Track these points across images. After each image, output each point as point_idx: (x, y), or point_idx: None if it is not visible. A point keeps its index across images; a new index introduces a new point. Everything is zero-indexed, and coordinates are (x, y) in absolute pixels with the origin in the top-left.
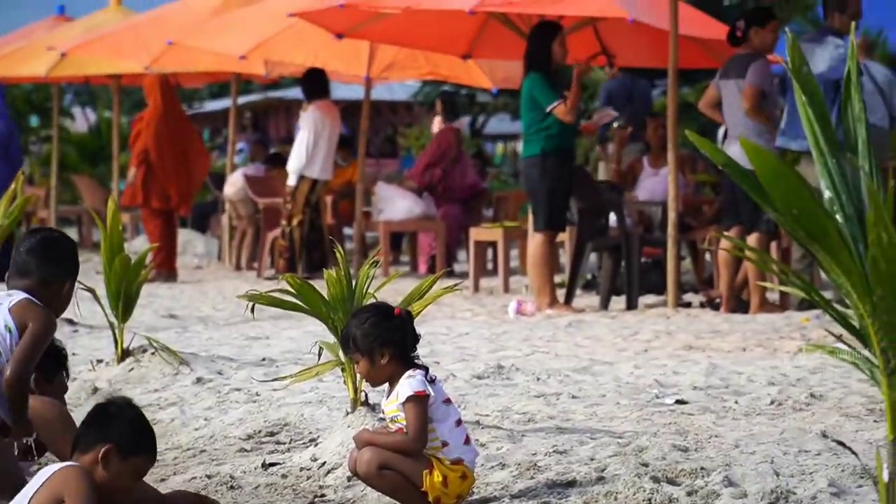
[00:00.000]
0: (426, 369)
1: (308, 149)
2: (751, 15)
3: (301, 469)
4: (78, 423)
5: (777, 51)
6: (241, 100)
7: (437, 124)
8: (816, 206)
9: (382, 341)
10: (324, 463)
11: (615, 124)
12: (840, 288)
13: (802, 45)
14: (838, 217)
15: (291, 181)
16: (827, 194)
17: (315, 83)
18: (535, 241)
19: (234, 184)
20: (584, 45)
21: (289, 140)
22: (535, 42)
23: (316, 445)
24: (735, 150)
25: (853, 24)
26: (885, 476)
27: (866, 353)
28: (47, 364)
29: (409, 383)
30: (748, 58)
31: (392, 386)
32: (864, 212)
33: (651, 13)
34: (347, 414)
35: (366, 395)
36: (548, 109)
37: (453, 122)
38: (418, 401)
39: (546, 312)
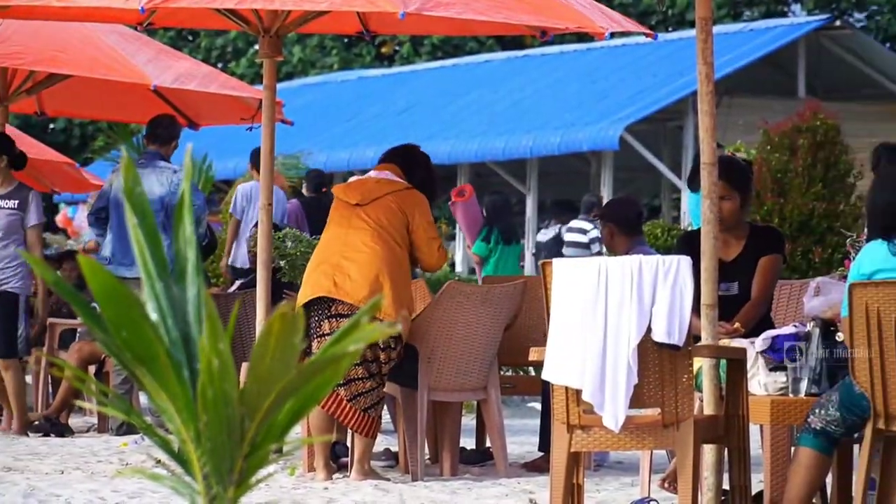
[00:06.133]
0: None
1: None
2: None
3: None
4: None
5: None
6: None
7: None
8: (149, 329)
9: None
10: None
11: None
12: (163, 413)
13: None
14: (165, 341)
15: None
16: (154, 317)
17: None
18: None
19: None
20: None
21: None
22: None
23: None
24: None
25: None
26: None
27: (188, 478)
28: None
29: None
30: None
31: None
32: (189, 336)
33: None
34: None
35: None
36: None
37: None
38: None
39: None
